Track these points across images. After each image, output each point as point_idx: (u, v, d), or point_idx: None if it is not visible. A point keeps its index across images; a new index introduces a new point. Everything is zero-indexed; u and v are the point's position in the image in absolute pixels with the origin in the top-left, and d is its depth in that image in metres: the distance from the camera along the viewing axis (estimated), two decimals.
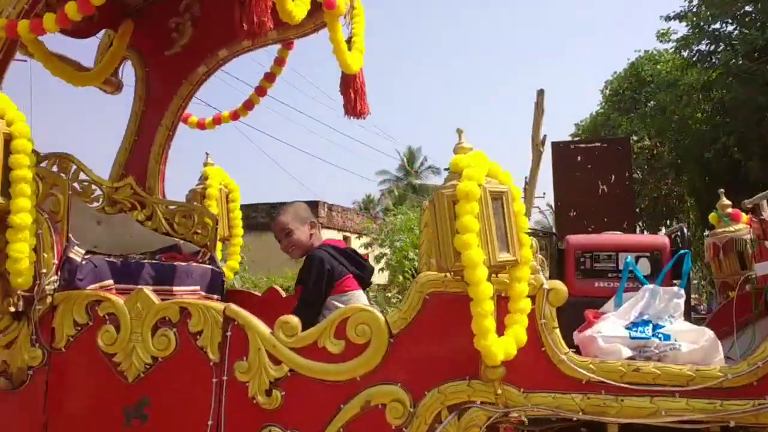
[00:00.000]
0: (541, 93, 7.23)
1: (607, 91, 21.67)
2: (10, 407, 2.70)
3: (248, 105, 4.34)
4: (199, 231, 4.10)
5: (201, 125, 4.43)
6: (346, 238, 26.81)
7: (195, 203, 4.26)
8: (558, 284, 2.48)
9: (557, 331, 2.46)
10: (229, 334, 2.67)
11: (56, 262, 2.82)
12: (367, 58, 3.68)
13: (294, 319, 2.64)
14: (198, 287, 3.64)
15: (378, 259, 15.88)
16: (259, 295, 4.20)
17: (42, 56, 3.53)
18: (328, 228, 25.93)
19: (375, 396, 2.55)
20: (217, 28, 4.16)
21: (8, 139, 2.64)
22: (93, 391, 2.75)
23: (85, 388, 2.76)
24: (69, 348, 2.77)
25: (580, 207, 6.17)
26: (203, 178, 4.43)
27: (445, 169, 2.49)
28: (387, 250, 15.76)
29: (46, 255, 2.78)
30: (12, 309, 2.75)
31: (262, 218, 24.36)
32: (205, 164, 4.47)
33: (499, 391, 2.40)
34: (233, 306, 2.70)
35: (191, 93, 4.30)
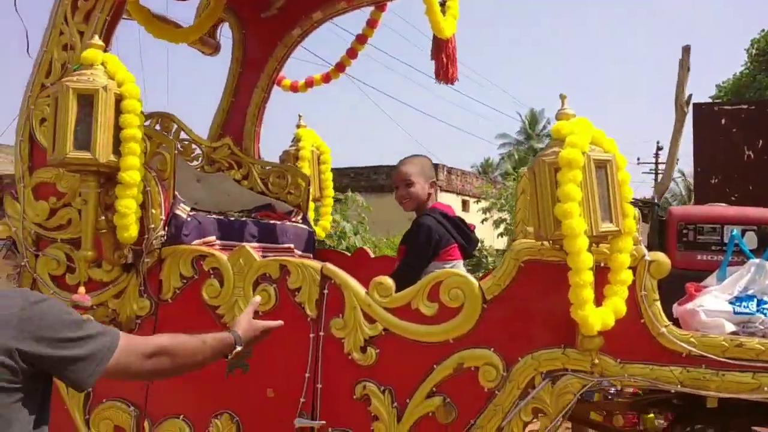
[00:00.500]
0: (686, 50, 6.84)
1: (754, 51, 19.74)
2: None
3: (340, 67, 4.36)
4: (293, 191, 4.20)
5: (294, 87, 4.49)
6: (464, 202, 26.61)
7: (288, 164, 4.35)
8: (660, 256, 2.43)
9: (658, 303, 2.42)
10: (326, 291, 2.74)
11: (163, 218, 2.94)
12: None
13: (388, 280, 2.69)
14: (292, 245, 3.73)
15: (497, 224, 15.77)
16: (349, 255, 4.27)
17: (144, 19, 3.64)
18: (447, 191, 25.62)
19: (468, 358, 2.58)
20: None
21: (119, 99, 2.75)
22: None
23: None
24: (175, 299, 2.90)
25: (723, 174, 5.69)
26: (296, 140, 4.51)
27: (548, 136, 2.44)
28: (506, 215, 15.60)
29: (154, 211, 2.90)
30: (122, 261, 2.90)
31: (383, 180, 24.65)
32: (298, 126, 4.54)
33: (596, 361, 2.38)
34: (330, 265, 2.77)
35: (286, 55, 4.36)
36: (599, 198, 2.27)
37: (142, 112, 2.89)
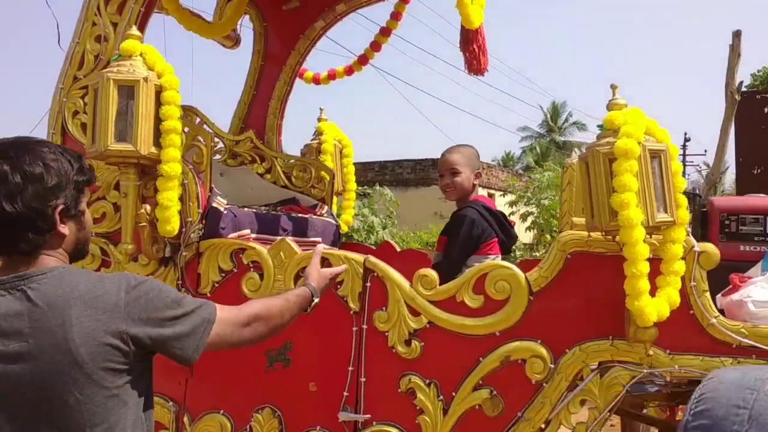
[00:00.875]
0: (737, 34, 6.74)
1: None
2: None
3: (363, 60, 4.35)
4: (316, 185, 4.18)
5: (316, 80, 4.47)
6: (490, 196, 26.54)
7: (311, 157, 4.33)
8: (710, 247, 2.43)
9: (707, 294, 2.42)
10: (368, 284, 2.73)
11: (201, 211, 2.92)
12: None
13: (432, 273, 2.68)
14: (320, 239, 3.71)
15: (524, 217, 15.69)
16: (374, 248, 4.26)
17: (176, 10, 3.61)
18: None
19: (515, 351, 2.57)
20: None
21: (159, 90, 2.72)
22: None
23: None
24: (214, 293, 2.88)
25: (766, 164, 5.60)
26: (317, 134, 4.49)
27: (598, 126, 2.43)
28: (533, 209, 15.52)
29: (191, 204, 2.88)
30: (160, 255, 2.88)
31: (407, 174, 24.56)
32: (319, 119, 4.53)
33: (651, 352, 2.38)
34: (372, 258, 2.75)
35: (309, 48, 4.34)
36: (654, 188, 2.27)
37: None
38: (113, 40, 2.97)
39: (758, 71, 20.64)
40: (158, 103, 2.72)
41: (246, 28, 4.46)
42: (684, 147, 37.41)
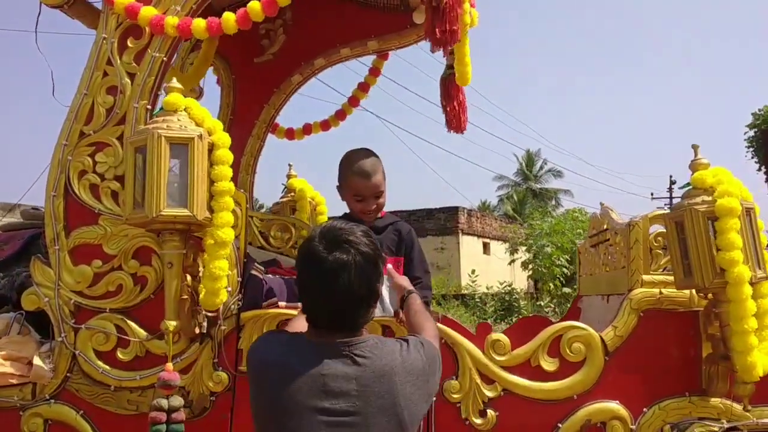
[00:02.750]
0: None
1: None
2: None
3: (340, 115, 4.24)
4: (297, 244, 3.96)
5: (290, 135, 4.28)
6: (485, 245, 26.00)
7: (285, 216, 4.11)
8: None
9: None
10: None
11: (240, 279, 2.65)
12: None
13: (505, 338, 2.59)
14: None
15: (525, 265, 15.52)
16: None
17: None
18: (468, 234, 25.10)
19: (594, 414, 2.54)
20: (312, 36, 4.05)
21: (210, 148, 2.47)
22: None
23: None
24: None
25: None
26: (287, 190, 4.29)
27: (686, 185, 2.49)
28: (530, 256, 15.49)
29: (230, 272, 2.60)
30: (197, 330, 2.57)
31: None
32: (289, 176, 4.34)
33: (749, 407, 2.42)
34: (440, 324, 2.62)
35: (283, 102, 4.16)
36: (750, 245, 2.35)
37: None
38: (131, 92, 2.67)
39: (759, 110, 21.92)
40: (209, 163, 2.46)
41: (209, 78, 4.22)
42: (670, 189, 38.39)
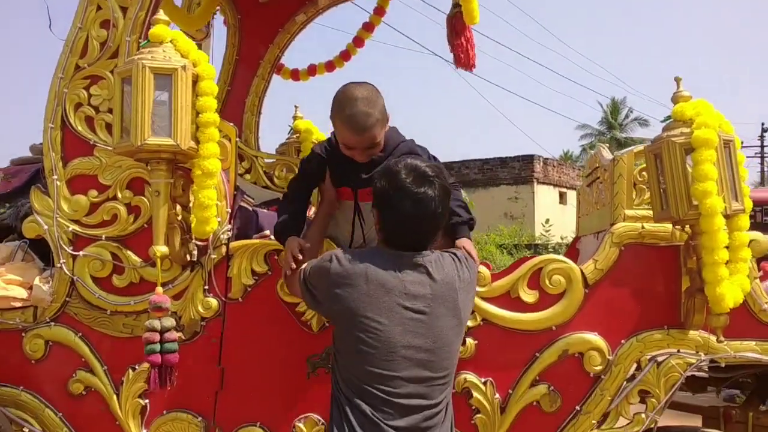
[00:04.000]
0: None
1: None
2: (183, 359, 2.60)
3: (345, 56, 4.24)
4: None
5: (295, 76, 4.31)
6: (561, 194, 25.71)
7: (290, 157, 4.16)
8: (759, 235, 2.53)
9: (758, 280, 2.52)
10: None
11: (229, 210, 2.72)
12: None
13: (486, 270, 2.63)
14: None
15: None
16: None
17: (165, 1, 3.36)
18: (543, 183, 24.65)
19: (572, 345, 2.58)
20: None
21: (194, 80, 2.52)
22: (273, 341, 2.69)
23: (264, 338, 2.69)
24: (246, 298, 2.69)
25: None
26: (293, 132, 4.33)
27: (666, 119, 2.48)
28: None
29: (219, 203, 2.67)
30: (188, 258, 2.66)
31: (474, 174, 23.65)
32: (295, 117, 4.37)
33: (722, 338, 2.44)
34: None
35: (288, 42, 4.19)
36: (728, 178, 2.34)
37: None
38: (123, 25, 2.72)
39: None
40: (194, 94, 2.51)
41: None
42: (761, 138, 37.52)
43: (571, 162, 37.48)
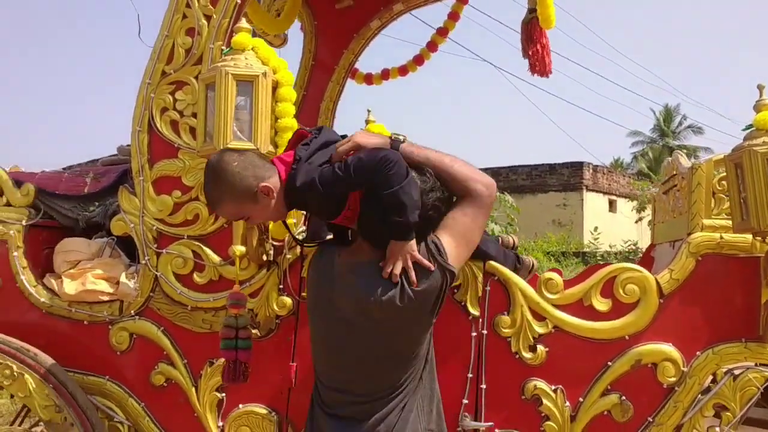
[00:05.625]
0: None
1: None
2: (258, 355, 2.69)
3: (418, 60, 4.28)
4: None
5: (368, 80, 4.38)
6: (611, 202, 25.72)
7: None
8: None
9: None
10: (488, 288, 2.65)
11: (304, 212, 2.80)
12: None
13: (558, 277, 2.63)
14: None
15: (651, 224, 15.63)
16: None
17: (251, 4, 3.48)
18: (593, 191, 24.81)
19: (646, 355, 2.54)
20: None
21: (274, 86, 2.61)
22: None
23: None
24: None
25: None
26: None
27: (748, 127, 2.42)
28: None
29: None
30: (264, 258, 2.75)
31: (522, 180, 23.95)
32: (367, 121, 4.43)
33: None
34: (493, 262, 2.68)
35: (363, 47, 4.26)
36: None
37: None
38: (207, 33, 2.83)
39: None
40: (274, 100, 2.60)
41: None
42: None
43: (622, 170, 36.51)
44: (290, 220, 2.65)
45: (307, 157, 2.23)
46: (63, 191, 3.15)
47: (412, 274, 2.08)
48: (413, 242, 2.10)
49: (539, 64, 3.70)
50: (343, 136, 2.31)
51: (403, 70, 4.32)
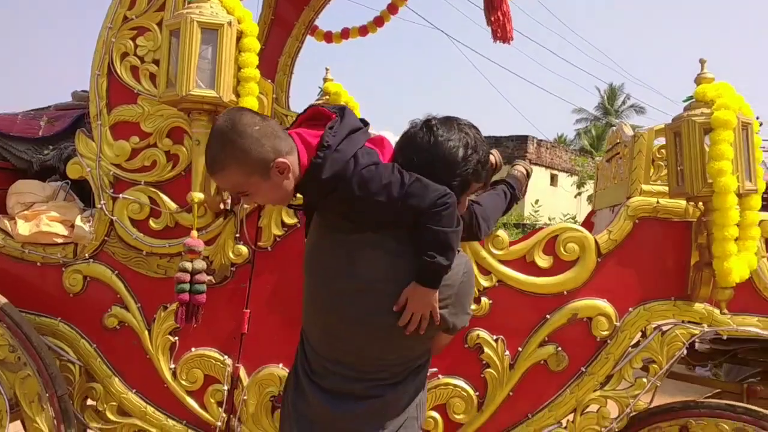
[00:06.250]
0: None
1: None
2: (212, 301, 2.76)
3: (378, 21, 4.32)
4: None
5: (328, 38, 4.41)
6: (553, 177, 25.71)
7: None
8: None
9: (765, 259, 2.63)
10: None
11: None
12: None
13: (505, 235, 2.76)
14: None
15: (591, 199, 15.80)
16: None
17: None
18: (536, 164, 24.67)
19: (582, 309, 2.71)
20: None
21: (238, 36, 2.64)
22: (299, 289, 2.83)
23: (290, 286, 2.84)
24: (275, 248, 2.84)
25: None
26: (323, 94, 4.44)
27: (688, 99, 2.57)
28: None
29: None
30: (222, 206, 2.81)
31: None
32: (325, 80, 4.47)
33: (725, 311, 2.57)
34: None
35: (323, 4, 4.25)
36: (743, 158, 2.44)
37: None
38: None
39: None
40: (237, 50, 2.63)
41: None
42: None
43: (565, 145, 37.15)
44: None
45: (336, 144, 1.94)
46: (17, 133, 3.12)
47: (425, 326, 1.96)
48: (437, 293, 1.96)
49: (501, 31, 3.78)
50: (362, 120, 2.10)
51: (363, 30, 4.36)
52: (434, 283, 1.93)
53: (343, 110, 2.05)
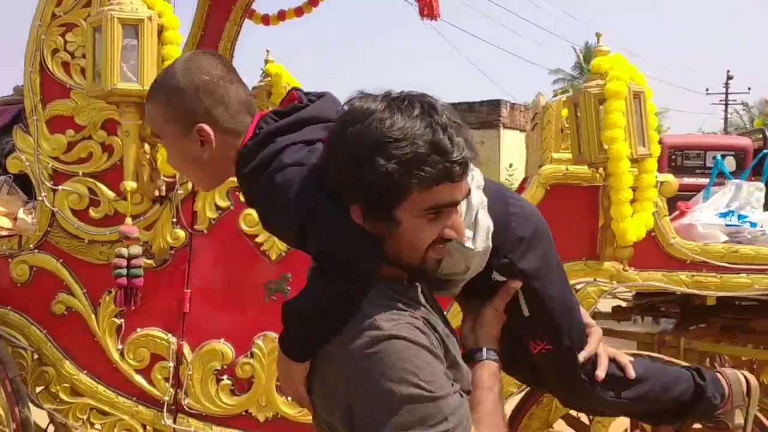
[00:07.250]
0: None
1: None
2: (153, 283, 2.91)
3: (313, 2, 4.42)
4: None
5: (265, 21, 4.50)
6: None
7: (261, 100, 4.39)
8: (670, 177, 2.83)
9: (667, 218, 2.82)
10: None
11: None
12: None
13: None
14: None
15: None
16: None
17: None
18: (510, 128, 24.40)
19: None
20: None
21: (160, 30, 2.75)
22: (235, 269, 2.99)
23: (227, 266, 2.99)
24: (210, 230, 2.98)
25: None
26: (265, 75, 4.55)
27: (588, 71, 2.73)
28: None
29: None
30: (157, 193, 2.94)
31: None
32: (266, 61, 4.58)
33: (626, 269, 2.76)
34: None
35: None
36: (636, 125, 2.61)
37: None
38: None
39: None
40: (160, 43, 2.75)
41: None
42: (726, 85, 37.55)
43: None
44: None
45: (274, 131, 1.52)
46: None
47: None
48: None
49: (427, 9, 3.90)
50: None
51: (298, 11, 4.45)
52: (291, 351, 1.49)
53: (320, 96, 1.61)
